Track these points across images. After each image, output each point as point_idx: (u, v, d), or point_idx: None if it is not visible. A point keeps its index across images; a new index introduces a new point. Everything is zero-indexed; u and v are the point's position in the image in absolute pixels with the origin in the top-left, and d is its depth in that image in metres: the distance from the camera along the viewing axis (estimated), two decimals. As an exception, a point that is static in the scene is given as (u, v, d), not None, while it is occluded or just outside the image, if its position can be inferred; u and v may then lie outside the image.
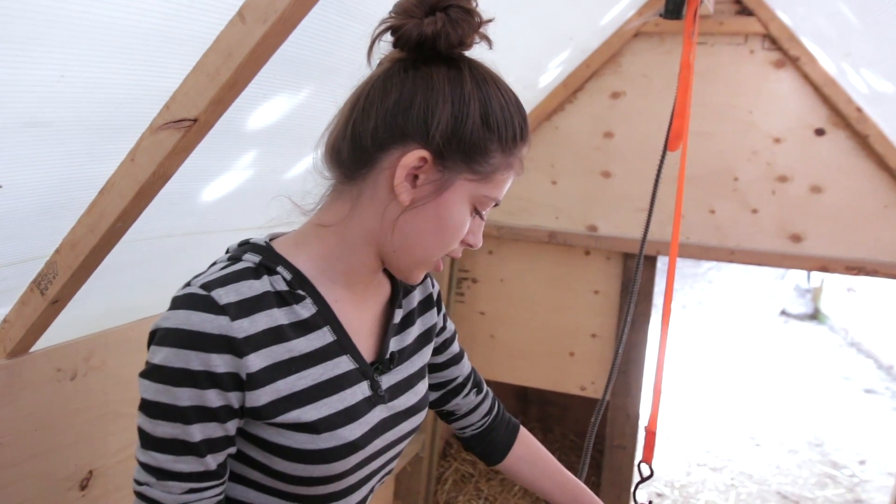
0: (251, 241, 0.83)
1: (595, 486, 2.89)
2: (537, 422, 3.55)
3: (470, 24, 0.75)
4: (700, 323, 7.49)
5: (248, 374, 0.74)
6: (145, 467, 0.74)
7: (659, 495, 3.78)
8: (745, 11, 2.28)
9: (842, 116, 2.22)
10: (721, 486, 3.92)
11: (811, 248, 2.25)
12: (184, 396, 0.72)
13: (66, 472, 1.19)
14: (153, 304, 1.39)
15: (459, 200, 0.79)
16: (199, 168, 1.12)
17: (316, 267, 0.82)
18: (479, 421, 1.16)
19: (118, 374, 1.27)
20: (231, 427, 0.76)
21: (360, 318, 0.88)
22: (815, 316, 7.84)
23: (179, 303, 0.74)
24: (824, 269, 2.22)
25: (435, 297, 1.05)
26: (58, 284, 1.00)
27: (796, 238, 2.26)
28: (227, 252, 0.84)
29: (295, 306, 0.79)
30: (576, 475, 1.27)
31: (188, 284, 0.76)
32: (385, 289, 0.94)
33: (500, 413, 1.19)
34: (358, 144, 0.78)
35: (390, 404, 0.89)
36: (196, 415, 0.73)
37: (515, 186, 2.60)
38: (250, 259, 0.79)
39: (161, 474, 0.74)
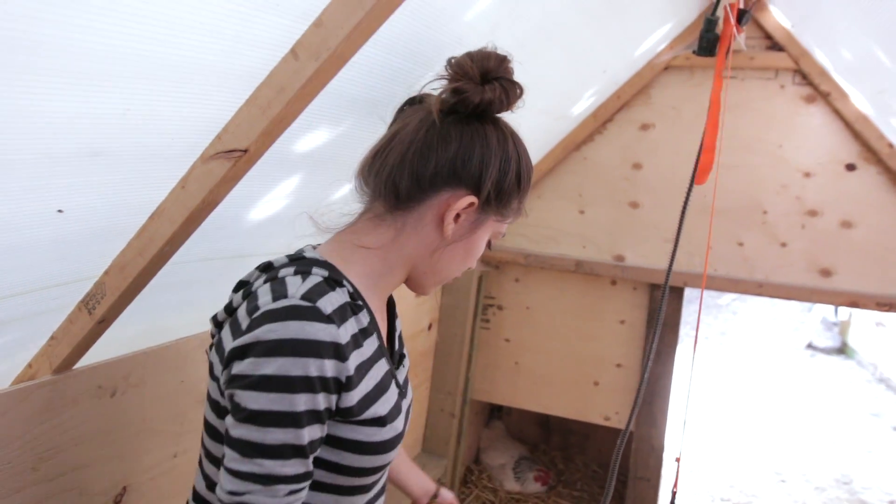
0: (306, 256, 0.91)
1: (617, 518, 2.86)
2: (559, 451, 3.52)
3: (515, 95, 0.90)
4: (723, 354, 7.39)
5: (348, 377, 0.81)
6: (248, 476, 0.77)
7: (682, 530, 3.71)
8: (776, 47, 2.29)
9: (873, 152, 2.21)
10: (746, 523, 3.84)
11: (841, 283, 2.24)
12: (300, 402, 0.77)
13: (102, 486, 1.21)
14: (189, 325, 1.43)
15: (484, 236, 0.96)
16: (243, 194, 1.15)
17: (362, 283, 0.92)
18: None
19: (155, 392, 1.30)
20: (326, 428, 0.83)
21: (382, 326, 0.99)
22: (842, 350, 7.70)
23: (285, 314, 0.79)
24: (854, 304, 2.20)
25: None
26: (105, 304, 1.04)
27: (826, 273, 2.25)
28: (271, 265, 0.91)
29: (360, 315, 0.87)
30: None
31: (280, 296, 0.81)
32: (385, 304, 1.04)
33: None
34: (415, 182, 0.89)
35: (407, 397, 1.01)
36: (308, 419, 0.78)
37: (543, 215, 2.63)
38: (319, 273, 0.85)
39: (268, 480, 0.78)
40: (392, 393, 0.92)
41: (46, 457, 1.09)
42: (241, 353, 0.79)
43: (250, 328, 0.80)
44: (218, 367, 0.87)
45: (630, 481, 2.49)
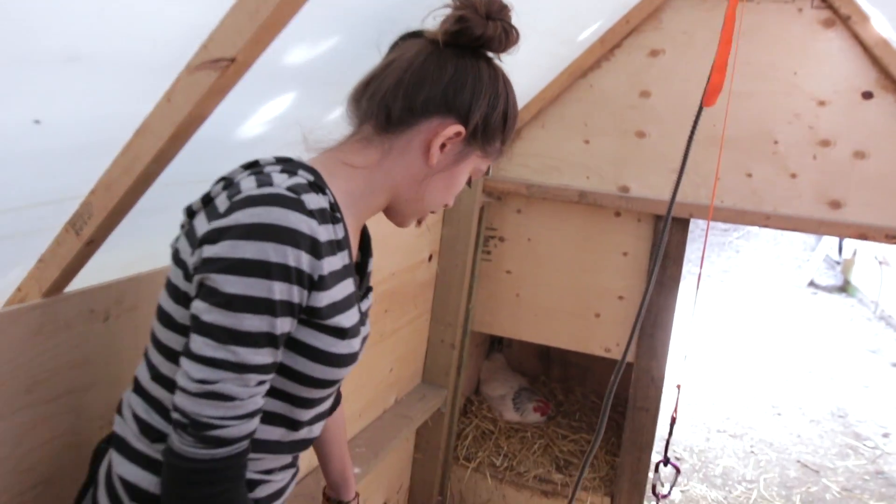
0: (293, 159, 0.92)
1: (615, 446, 2.90)
2: (559, 382, 3.56)
3: (513, 38, 0.95)
4: (726, 292, 7.42)
5: (321, 276, 0.82)
6: (221, 364, 0.76)
7: (677, 459, 3.79)
8: (796, -34, 2.18)
9: (892, 79, 2.13)
10: (740, 453, 3.92)
11: (850, 214, 2.19)
12: (277, 290, 0.77)
13: (98, 410, 1.21)
14: (184, 250, 1.39)
15: (466, 170, 0.99)
16: (232, 111, 1.10)
17: (342, 200, 0.91)
18: None
19: (149, 316, 1.28)
20: (295, 323, 0.83)
21: (354, 250, 0.99)
22: (844, 288, 7.72)
23: (269, 200, 0.78)
24: (863, 236, 2.16)
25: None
26: (92, 225, 1.00)
27: (835, 204, 2.20)
28: (257, 163, 0.91)
29: (336, 227, 0.87)
30: (594, 434, 1.38)
31: (264, 184, 0.80)
32: (360, 231, 1.04)
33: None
34: (407, 106, 0.91)
35: (365, 326, 1.01)
36: (282, 309, 0.78)
37: (547, 145, 2.56)
38: (305, 176, 0.85)
39: (242, 368, 0.77)
40: (354, 313, 0.92)
41: (41, 379, 1.07)
42: (217, 235, 0.78)
43: (230, 211, 0.79)
44: (186, 252, 0.85)
45: (629, 411, 2.51)
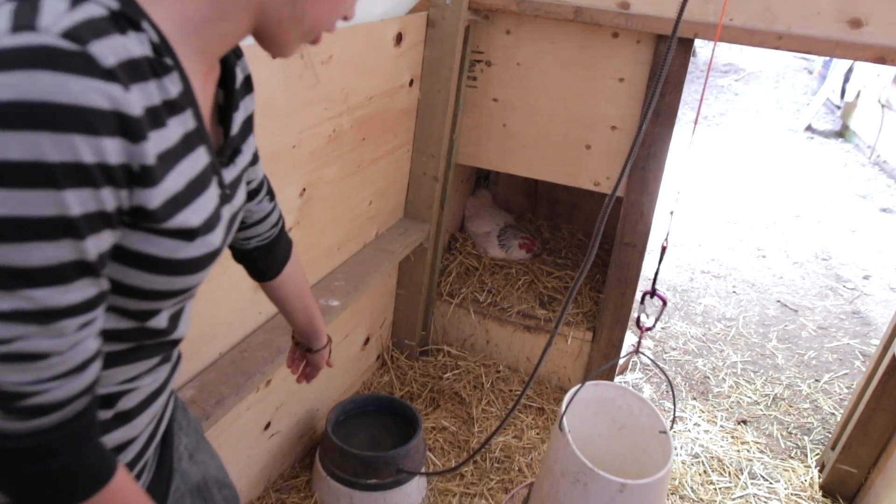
0: None
1: (600, 283, 2.88)
2: (546, 220, 3.48)
3: None
4: (721, 135, 7.24)
5: (143, 167, 0.58)
6: (15, 316, 0.54)
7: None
8: None
9: None
10: (722, 293, 3.96)
11: (871, 35, 1.99)
12: (72, 202, 0.53)
13: None
14: None
15: None
16: None
17: (174, 32, 0.63)
18: (266, 231, 1.10)
19: None
20: (118, 233, 0.61)
21: (206, 101, 0.74)
22: (842, 133, 7.55)
23: (30, 60, 0.50)
24: (881, 59, 1.98)
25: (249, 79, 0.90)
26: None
27: (856, 23, 2.00)
28: None
29: (164, 80, 0.61)
30: (578, 270, 1.31)
31: (22, 27, 0.51)
32: (217, 67, 0.78)
33: (283, 225, 1.15)
34: None
35: (233, 203, 0.80)
36: (90, 224, 0.56)
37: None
38: (102, 3, 0.55)
39: (45, 316, 0.56)
40: (211, 196, 0.71)
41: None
42: None
43: None
44: None
45: (616, 247, 2.45)
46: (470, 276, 2.94)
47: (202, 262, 0.71)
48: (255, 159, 0.98)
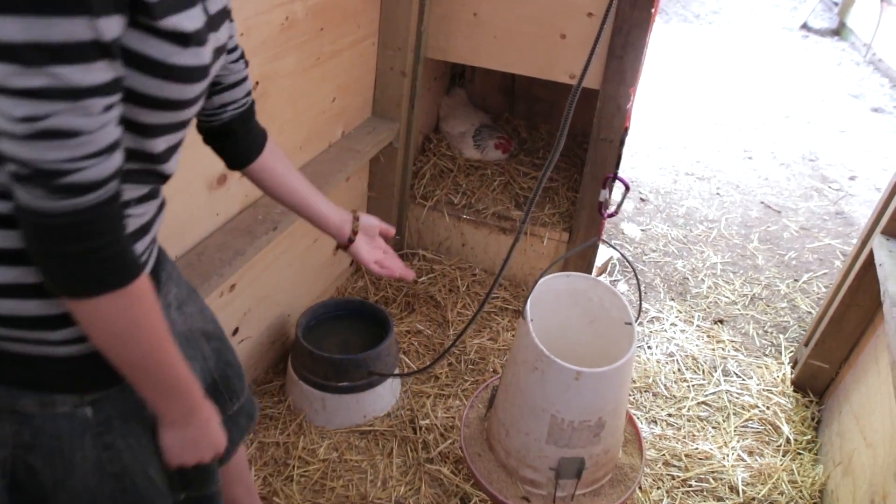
0: None
1: (577, 182, 2.80)
2: (523, 119, 3.36)
3: None
4: (713, 33, 6.99)
5: None
6: (43, 93, 0.59)
7: (643, 200, 3.76)
8: None
9: None
10: (706, 195, 3.90)
11: None
12: None
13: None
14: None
15: None
16: None
17: None
18: (242, 98, 1.08)
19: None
20: (124, 24, 0.65)
21: None
22: (838, 31, 7.30)
23: None
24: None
25: None
26: None
27: None
28: None
29: None
30: (546, 165, 1.30)
31: None
32: None
33: (253, 101, 1.13)
34: None
35: (217, 35, 0.82)
36: (100, 5, 0.60)
37: None
38: None
39: (73, 94, 0.61)
40: (198, 13, 0.75)
41: None
42: None
43: None
44: None
45: (591, 143, 2.35)
46: (444, 177, 2.86)
47: (195, 74, 0.75)
48: (229, 12, 0.97)
